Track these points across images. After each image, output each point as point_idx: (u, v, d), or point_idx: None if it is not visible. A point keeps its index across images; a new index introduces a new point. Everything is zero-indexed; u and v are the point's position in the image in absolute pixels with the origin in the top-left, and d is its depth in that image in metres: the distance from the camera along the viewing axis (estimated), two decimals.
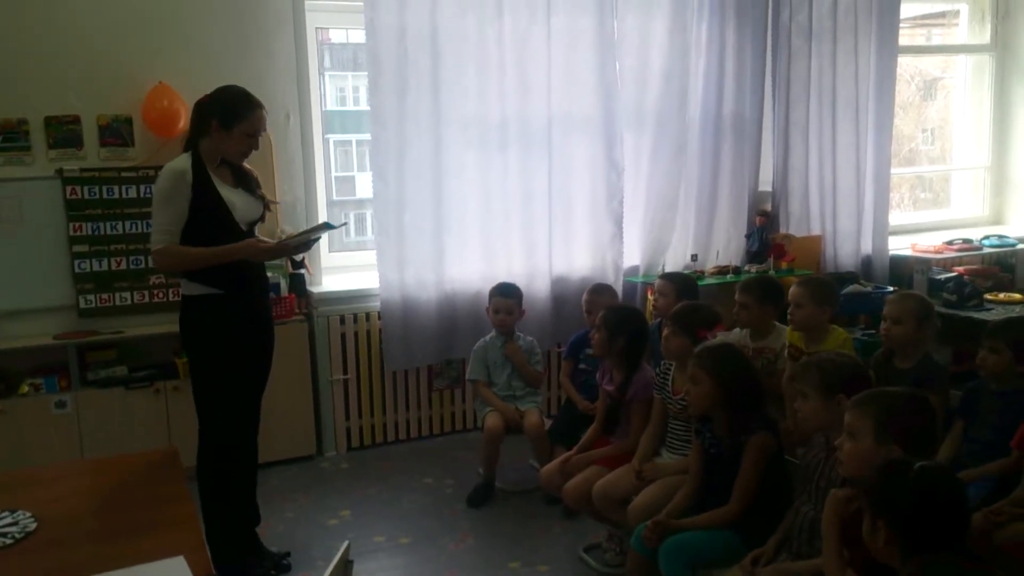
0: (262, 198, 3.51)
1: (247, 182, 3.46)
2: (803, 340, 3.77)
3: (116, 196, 4.56)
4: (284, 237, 3.55)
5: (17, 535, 2.30)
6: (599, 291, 4.40)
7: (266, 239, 3.51)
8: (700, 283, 5.22)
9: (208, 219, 3.28)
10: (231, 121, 3.28)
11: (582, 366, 4.34)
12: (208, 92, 3.37)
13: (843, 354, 2.90)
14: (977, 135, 6.94)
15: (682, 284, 4.24)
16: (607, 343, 3.64)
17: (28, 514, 2.42)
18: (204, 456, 3.45)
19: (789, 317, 3.79)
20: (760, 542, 2.71)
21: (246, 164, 3.50)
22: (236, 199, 3.36)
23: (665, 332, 3.45)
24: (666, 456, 3.41)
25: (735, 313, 3.95)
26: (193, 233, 3.28)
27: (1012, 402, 3.14)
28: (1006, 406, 3.14)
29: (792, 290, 3.80)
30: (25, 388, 4.36)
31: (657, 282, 4.41)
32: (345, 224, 3.68)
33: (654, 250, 5.47)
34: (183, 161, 3.29)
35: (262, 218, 3.55)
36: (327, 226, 3.55)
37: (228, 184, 3.37)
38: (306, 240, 3.50)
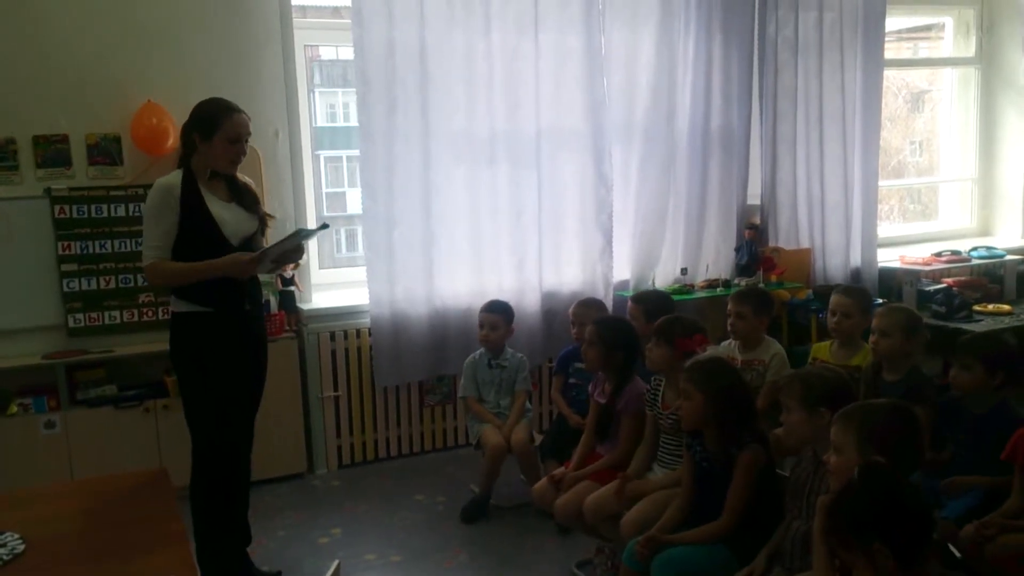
0: (258, 213, 3.50)
1: (242, 197, 3.44)
2: (832, 353, 3.77)
3: (105, 215, 4.55)
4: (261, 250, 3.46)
5: (5, 557, 2.28)
6: (587, 304, 4.39)
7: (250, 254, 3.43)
8: (690, 297, 5.26)
9: (197, 234, 3.28)
10: (210, 131, 3.28)
11: (572, 380, 4.33)
12: None
13: (829, 368, 2.93)
14: (964, 147, 6.98)
15: (653, 305, 4.13)
16: (604, 358, 3.63)
17: (16, 536, 2.41)
18: (198, 475, 3.43)
19: (833, 327, 3.79)
20: (752, 557, 2.71)
21: (245, 179, 3.50)
22: (227, 214, 3.35)
23: (648, 345, 3.46)
24: (657, 471, 3.40)
25: (730, 323, 3.96)
26: (183, 248, 3.28)
27: (986, 421, 3.15)
28: (980, 425, 3.15)
29: (837, 300, 3.83)
30: (14, 408, 4.34)
31: (628, 305, 4.40)
32: (326, 227, 3.62)
33: (644, 264, 5.48)
34: (173, 176, 3.31)
35: (262, 232, 3.53)
36: (301, 233, 3.49)
37: (221, 199, 3.36)
38: (284, 249, 3.43)
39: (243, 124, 3.35)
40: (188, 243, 3.28)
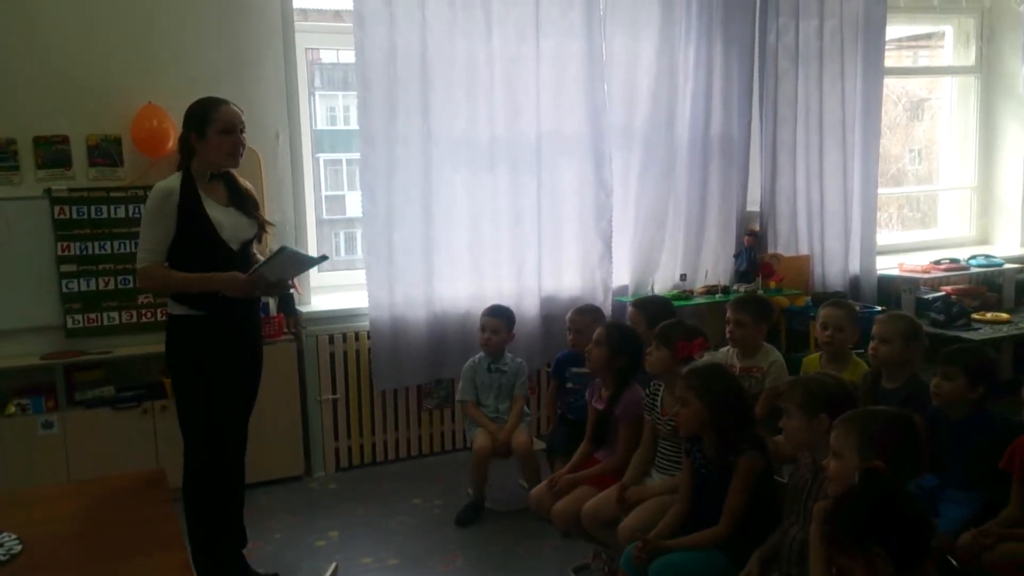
0: (257, 219, 3.49)
1: (241, 201, 3.43)
2: (822, 367, 3.75)
3: (104, 216, 4.55)
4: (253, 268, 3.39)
5: (2, 558, 2.28)
6: (584, 311, 4.37)
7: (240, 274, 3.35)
8: (689, 303, 5.26)
9: (194, 237, 3.28)
10: (203, 126, 3.29)
11: (570, 385, 4.31)
12: None
13: (829, 375, 2.92)
14: (963, 155, 6.99)
15: (654, 311, 4.14)
16: (607, 360, 3.63)
17: (13, 536, 2.41)
18: (190, 477, 3.43)
19: (826, 341, 3.78)
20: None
21: (246, 185, 3.50)
22: (224, 218, 3.35)
23: (648, 349, 3.47)
24: (655, 476, 3.40)
25: (729, 331, 3.95)
26: (180, 251, 3.29)
27: (966, 425, 3.15)
28: (962, 432, 3.15)
29: (829, 313, 3.79)
30: (12, 409, 4.33)
31: (629, 310, 4.39)
32: (325, 258, 3.61)
33: (643, 270, 5.49)
34: (173, 180, 3.31)
35: (258, 238, 3.54)
36: (286, 251, 3.40)
37: (219, 202, 3.36)
38: (283, 274, 3.45)
39: (234, 114, 3.34)
40: (186, 246, 3.29)
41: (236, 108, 3.37)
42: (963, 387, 3.14)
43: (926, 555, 1.95)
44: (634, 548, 2.90)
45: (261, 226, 3.53)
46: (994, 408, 3.23)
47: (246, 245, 3.44)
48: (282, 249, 3.38)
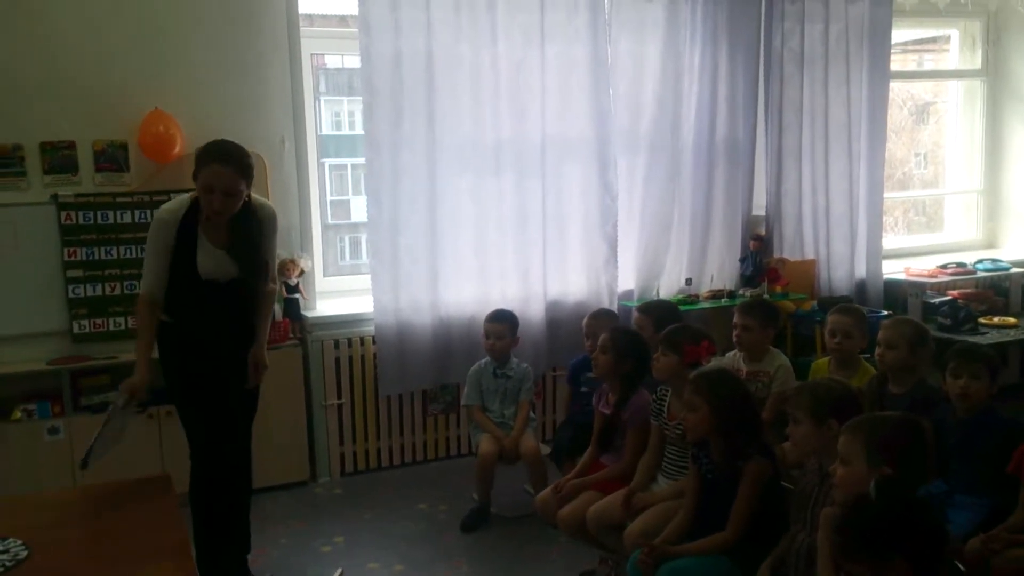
0: (248, 266, 3.39)
1: (238, 247, 3.36)
2: (830, 373, 3.74)
3: (111, 221, 4.55)
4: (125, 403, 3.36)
5: (8, 563, 2.28)
6: (598, 316, 4.37)
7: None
8: (695, 307, 5.25)
9: (176, 265, 3.31)
10: (194, 175, 3.25)
11: (584, 389, 4.30)
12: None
13: (836, 380, 2.91)
14: (969, 159, 6.97)
15: (661, 315, 4.13)
16: (613, 365, 3.63)
17: (19, 542, 2.41)
18: (195, 482, 3.44)
19: (835, 348, 3.76)
20: (755, 569, 2.70)
21: (261, 220, 3.44)
22: (207, 257, 3.32)
23: (655, 354, 3.46)
24: (661, 481, 3.40)
25: (736, 335, 3.95)
26: (173, 276, 3.33)
27: (976, 430, 3.13)
28: (971, 434, 3.13)
29: (837, 320, 3.76)
30: (18, 414, 4.34)
31: (634, 315, 4.39)
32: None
33: (649, 274, 5.48)
34: (177, 205, 3.32)
35: (250, 279, 3.44)
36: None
37: (212, 241, 3.32)
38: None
39: (215, 175, 3.20)
40: (175, 273, 3.32)
41: (225, 168, 3.20)
42: (988, 386, 3.14)
43: (941, 563, 1.94)
44: (640, 553, 2.90)
45: (255, 272, 3.44)
46: (1003, 411, 3.22)
47: (233, 282, 3.39)
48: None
